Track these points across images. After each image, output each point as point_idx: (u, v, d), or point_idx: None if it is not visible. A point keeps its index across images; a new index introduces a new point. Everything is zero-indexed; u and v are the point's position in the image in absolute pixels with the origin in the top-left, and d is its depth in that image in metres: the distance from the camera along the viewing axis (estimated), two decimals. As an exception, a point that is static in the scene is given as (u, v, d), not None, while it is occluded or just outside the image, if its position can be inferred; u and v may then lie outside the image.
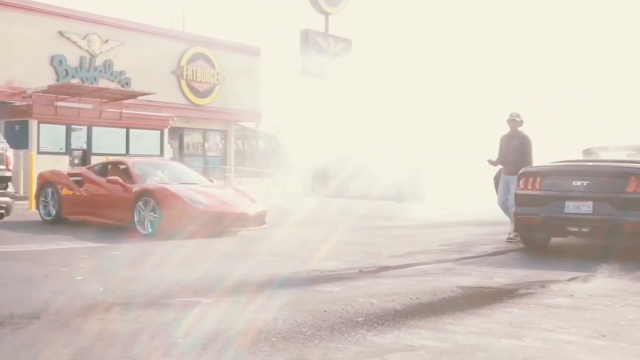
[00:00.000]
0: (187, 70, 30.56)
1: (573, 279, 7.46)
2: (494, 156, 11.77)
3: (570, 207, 9.29)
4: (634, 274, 7.91)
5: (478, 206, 18.07)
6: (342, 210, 19.14)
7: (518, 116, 11.61)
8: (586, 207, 9.18)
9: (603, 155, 11.55)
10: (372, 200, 28.40)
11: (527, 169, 10.08)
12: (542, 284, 7.05)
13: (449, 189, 22.54)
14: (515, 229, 10.34)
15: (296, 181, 33.27)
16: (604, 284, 7.24)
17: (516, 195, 10.07)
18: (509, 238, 11.13)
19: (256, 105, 33.84)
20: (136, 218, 11.73)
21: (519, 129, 11.60)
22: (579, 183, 9.33)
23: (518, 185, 10.02)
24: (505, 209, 11.60)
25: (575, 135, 17.47)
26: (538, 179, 9.79)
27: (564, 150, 13.73)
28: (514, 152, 11.42)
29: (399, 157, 29.54)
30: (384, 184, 30.03)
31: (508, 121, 11.62)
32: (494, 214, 13.74)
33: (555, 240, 10.78)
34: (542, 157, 11.63)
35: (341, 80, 34.71)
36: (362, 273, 7.67)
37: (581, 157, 11.72)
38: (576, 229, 9.36)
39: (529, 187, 9.85)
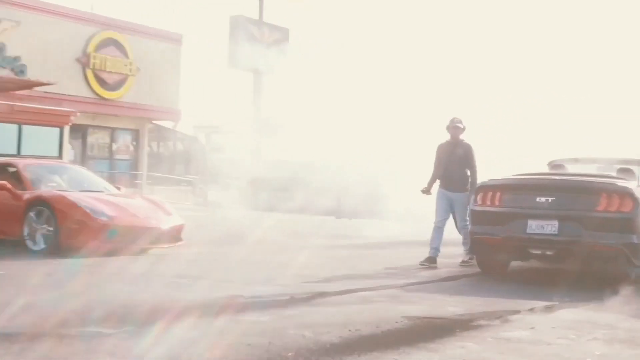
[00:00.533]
0: (94, 58, 30.06)
1: (535, 308, 7.56)
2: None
3: (533, 226, 9.44)
4: (603, 304, 8.06)
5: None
6: (275, 226, 19.05)
7: (461, 122, 11.54)
8: (551, 226, 9.34)
9: (571, 169, 11.78)
10: (313, 215, 28.45)
11: (486, 182, 10.21)
12: (500, 315, 7.12)
13: (407, 202, 22.78)
14: (471, 251, 10.46)
15: (221, 191, 33.07)
16: (569, 314, 7.35)
17: (473, 212, 10.19)
18: (462, 261, 11.26)
19: (175, 102, 33.54)
20: (26, 231, 11.42)
21: (461, 136, 11.53)
22: (543, 199, 9.49)
23: (475, 200, 10.14)
24: (440, 228, 11.43)
25: (541, 146, 17.85)
26: (497, 194, 9.92)
27: (528, 161, 13.98)
28: (459, 164, 11.36)
29: (348, 164, 29.67)
30: (329, 197, 30.17)
31: (449, 128, 11.52)
32: (449, 233, 13.88)
33: (515, 264, 10.93)
34: (502, 169, 11.80)
35: (277, 75, 34.75)
36: (295, 300, 7.61)
37: (547, 170, 11.92)
38: (539, 252, 9.52)
39: (487, 203, 9.98)
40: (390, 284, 9.16)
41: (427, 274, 10.27)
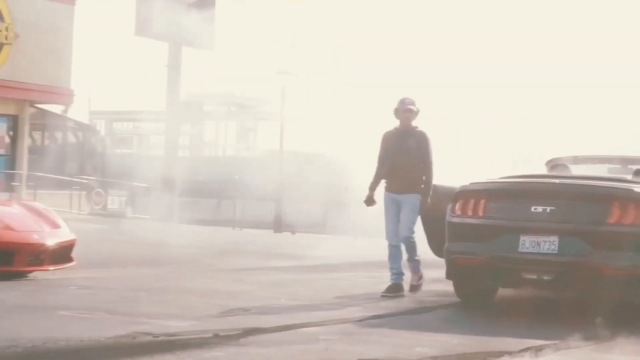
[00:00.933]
0: (-45, 20, 29.60)
1: (529, 349, 7.61)
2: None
3: (527, 243, 9.51)
4: (614, 344, 8.16)
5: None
6: (196, 243, 18.99)
7: (414, 104, 11.21)
8: (549, 244, 9.41)
9: (576, 170, 11.93)
10: (245, 229, 28.46)
11: (467, 187, 10.26)
12: (484, 357, 7.15)
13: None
14: (448, 274, 10.49)
15: (125, 197, 32.90)
16: (571, 356, 7.43)
17: (450, 225, 10.23)
18: (411, 286, 11.19)
19: (66, 80, 33.16)
20: None
21: (414, 122, 11.28)
22: (540, 209, 9.57)
23: (453, 210, 10.19)
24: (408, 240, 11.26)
25: (539, 142, 18.04)
26: (482, 202, 9.97)
27: (521, 161, 14.12)
28: (410, 157, 11.14)
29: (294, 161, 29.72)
30: (267, 204, 30.20)
31: (398, 112, 11.19)
32: (422, 253, 13.96)
33: (504, 292, 11.02)
34: (489, 170, 11.89)
35: (200, 47, 34.59)
36: (220, 338, 7.57)
37: (545, 172, 12.04)
38: (534, 276, 9.59)
39: (469, 213, 10.03)
40: (344, 317, 9.15)
41: (390, 305, 10.29)
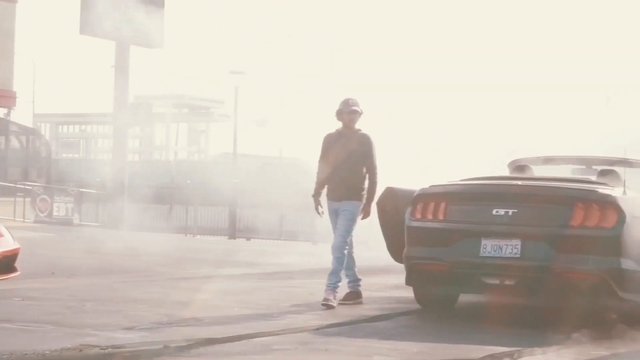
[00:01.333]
0: None
1: (492, 356, 7.66)
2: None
3: (489, 247, 9.57)
4: (580, 350, 8.23)
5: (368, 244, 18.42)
6: (147, 250, 18.89)
7: (358, 105, 11.01)
8: (512, 248, 9.47)
9: (539, 171, 12.00)
10: (199, 235, 28.40)
11: (426, 189, 10.29)
12: (445, 366, 7.21)
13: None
14: (407, 280, 10.51)
15: (72, 203, 32.67)
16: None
17: (409, 229, 10.25)
18: (341, 301, 10.87)
19: (8, 81, 32.95)
20: None
21: (357, 125, 11.09)
22: (502, 212, 9.62)
23: (413, 213, 10.21)
24: (339, 251, 10.96)
25: (501, 142, 18.13)
26: (442, 205, 10.01)
27: (484, 162, 14.19)
28: (352, 161, 10.95)
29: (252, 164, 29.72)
30: (223, 210, 30.11)
31: (342, 113, 10.97)
32: (381, 259, 14.01)
33: (466, 297, 11.08)
34: (448, 172, 11.93)
35: (150, 46, 34.42)
36: (170, 349, 7.53)
37: (507, 173, 12.10)
38: (496, 281, 9.64)
39: (429, 216, 10.06)
40: (300, 326, 9.15)
41: (349, 313, 10.30)
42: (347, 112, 10.92)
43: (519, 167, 12.15)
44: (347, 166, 10.90)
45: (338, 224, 10.89)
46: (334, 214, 11.00)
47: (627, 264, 9.24)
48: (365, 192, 10.97)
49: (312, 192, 11.21)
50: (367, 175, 10.98)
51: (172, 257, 17.97)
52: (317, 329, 9.01)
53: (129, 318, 9.33)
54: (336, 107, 10.99)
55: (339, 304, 10.80)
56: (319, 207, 11.12)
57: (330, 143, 11.06)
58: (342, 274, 10.86)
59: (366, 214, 11.01)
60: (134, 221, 30.46)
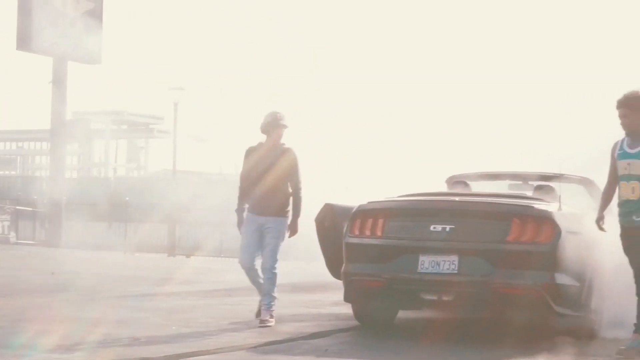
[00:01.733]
0: None
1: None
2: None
3: (426, 263, 9.62)
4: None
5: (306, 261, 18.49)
6: (85, 268, 18.77)
7: (284, 119, 10.85)
8: (449, 263, 9.52)
9: (477, 187, 12.09)
10: (136, 253, 28.20)
11: (365, 205, 10.32)
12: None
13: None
14: (346, 297, 10.52)
15: (8, 221, 32.33)
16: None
17: (347, 245, 10.27)
18: (261, 320, 10.62)
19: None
20: None
21: (282, 139, 10.94)
22: (439, 228, 9.68)
23: (351, 229, 10.24)
24: (251, 269, 10.86)
25: (439, 158, 18.24)
26: (380, 222, 10.04)
27: (421, 178, 14.26)
28: (278, 177, 10.79)
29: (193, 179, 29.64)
30: (162, 227, 29.92)
31: (269, 126, 10.77)
32: (322, 274, 14.05)
33: (405, 313, 11.12)
34: (386, 188, 11.96)
35: (89, 61, 34.16)
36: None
37: (445, 189, 12.19)
38: (434, 297, 9.69)
39: (367, 233, 10.09)
40: (238, 344, 9.13)
41: (287, 330, 10.29)
42: (277, 126, 10.78)
43: (456, 183, 12.24)
44: (272, 181, 10.72)
45: (266, 243, 10.71)
46: (255, 228, 10.73)
47: (562, 278, 9.35)
48: (290, 209, 10.82)
49: (235, 206, 10.96)
50: (292, 191, 10.82)
51: (110, 275, 17.83)
52: (255, 347, 9.00)
53: (65, 338, 9.20)
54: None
55: (259, 324, 10.56)
56: (240, 214, 10.87)
57: (254, 157, 10.87)
58: (275, 292, 10.79)
59: (293, 231, 10.87)
60: (73, 239, 30.23)
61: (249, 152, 10.95)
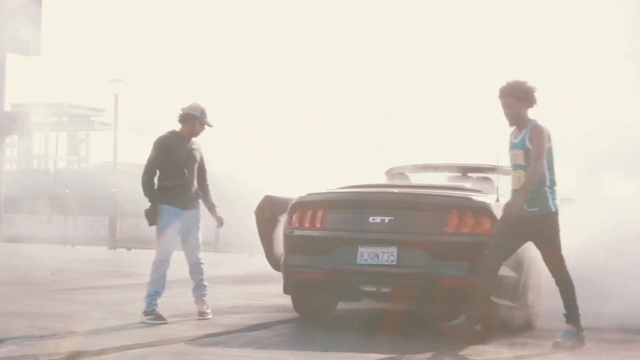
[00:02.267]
0: None
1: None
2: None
3: (365, 255, 9.62)
4: (454, 353, 8.36)
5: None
6: (23, 262, 18.69)
7: (204, 113, 10.66)
8: (388, 255, 9.53)
9: (416, 179, 12.13)
10: (77, 246, 27.99)
11: (304, 197, 10.29)
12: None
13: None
14: (285, 289, 10.49)
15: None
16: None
17: (287, 237, 10.25)
18: (148, 317, 10.25)
19: None
20: None
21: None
22: (378, 220, 9.69)
23: (290, 222, 10.22)
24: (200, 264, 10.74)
25: (379, 150, 18.27)
26: (319, 213, 10.03)
27: (361, 170, 14.28)
28: (195, 168, 10.68)
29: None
30: (102, 220, 29.70)
31: (197, 119, 10.59)
32: (261, 268, 14.03)
33: (344, 305, 11.13)
34: (326, 179, 11.96)
35: (27, 52, 33.81)
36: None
37: (384, 181, 12.21)
38: (373, 289, 9.70)
39: (306, 225, 10.06)
40: (177, 336, 9.08)
41: (227, 322, 10.27)
42: (203, 122, 10.65)
43: (395, 174, 12.28)
44: (191, 173, 10.61)
45: (192, 237, 10.64)
46: (175, 218, 10.49)
47: (501, 270, 9.39)
48: (206, 200, 10.78)
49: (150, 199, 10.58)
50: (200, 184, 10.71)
51: (50, 268, 17.65)
52: (194, 340, 8.95)
53: (0, 332, 9.13)
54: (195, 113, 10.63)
55: (146, 320, 10.26)
56: (156, 219, 10.55)
57: (173, 147, 10.57)
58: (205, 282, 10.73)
59: (222, 221, 10.86)
60: (12, 232, 29.92)
61: (164, 141, 10.62)
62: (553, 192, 9.07)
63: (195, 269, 10.72)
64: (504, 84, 9.18)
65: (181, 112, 10.63)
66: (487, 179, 11.25)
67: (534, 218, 8.98)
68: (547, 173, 9.03)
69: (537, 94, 9.18)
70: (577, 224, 10.38)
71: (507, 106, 9.15)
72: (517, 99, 9.10)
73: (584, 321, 9.04)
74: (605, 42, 16.00)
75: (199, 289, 10.70)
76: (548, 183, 9.02)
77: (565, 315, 9.09)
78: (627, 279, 10.58)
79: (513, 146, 9.20)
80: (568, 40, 16.64)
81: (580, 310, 9.04)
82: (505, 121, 9.26)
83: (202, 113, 10.62)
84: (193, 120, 10.58)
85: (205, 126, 10.66)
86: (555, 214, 9.09)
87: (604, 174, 12.01)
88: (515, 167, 9.15)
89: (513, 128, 9.26)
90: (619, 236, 10.93)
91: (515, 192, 9.11)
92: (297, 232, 10.14)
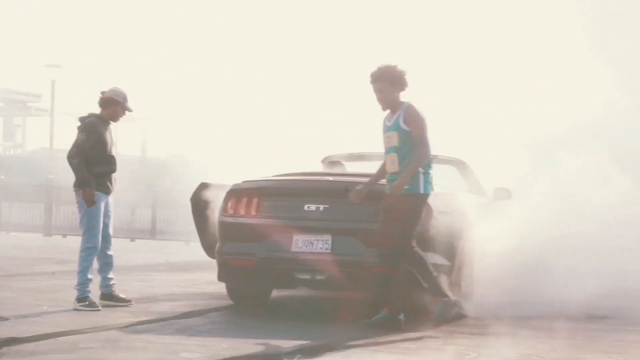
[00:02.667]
0: None
1: (300, 350, 7.72)
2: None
3: (300, 242, 9.64)
4: (388, 338, 8.40)
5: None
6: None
7: (126, 98, 10.56)
8: (322, 243, 9.56)
9: (352, 167, 12.16)
10: (12, 232, 27.72)
11: (239, 184, 10.28)
12: (251, 360, 7.24)
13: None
14: (220, 276, 10.48)
15: None
16: (342, 355, 7.58)
17: (221, 224, 10.23)
18: (81, 304, 10.17)
19: None
20: None
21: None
22: (313, 207, 9.71)
23: (224, 209, 10.20)
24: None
25: (316, 138, 18.29)
26: (254, 201, 10.04)
27: (297, 158, 14.29)
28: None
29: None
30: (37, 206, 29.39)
31: (120, 105, 10.46)
32: (196, 255, 13.99)
33: (279, 292, 11.15)
34: (262, 167, 11.96)
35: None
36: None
37: (320, 169, 12.23)
38: (308, 276, 9.72)
39: (241, 212, 10.06)
40: (109, 324, 9.03)
41: (161, 309, 10.24)
42: (125, 107, 10.56)
43: (331, 163, 12.33)
44: (115, 158, 10.58)
45: (109, 222, 10.59)
46: (102, 207, 10.44)
47: (433, 258, 9.46)
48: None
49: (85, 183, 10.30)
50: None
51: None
52: (127, 327, 8.91)
53: None
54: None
55: (78, 307, 10.17)
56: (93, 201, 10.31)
57: (101, 134, 10.42)
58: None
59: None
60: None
61: (97, 127, 10.42)
62: (427, 174, 9.10)
63: (109, 254, 10.63)
64: (375, 69, 9.22)
65: (103, 96, 10.52)
66: (421, 168, 11.30)
67: (402, 196, 9.01)
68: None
69: (407, 77, 9.23)
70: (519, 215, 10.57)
71: (379, 91, 9.21)
72: (389, 83, 9.16)
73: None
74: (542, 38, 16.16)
75: (110, 275, 10.63)
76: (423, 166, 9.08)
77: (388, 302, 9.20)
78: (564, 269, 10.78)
79: (387, 129, 9.25)
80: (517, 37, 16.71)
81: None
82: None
83: (124, 98, 10.55)
84: (116, 105, 10.49)
85: (126, 112, 10.61)
86: (424, 196, 9.13)
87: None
88: (389, 149, 9.19)
89: (386, 112, 9.32)
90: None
91: (391, 176, 9.15)
92: (231, 220, 10.13)
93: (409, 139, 9.07)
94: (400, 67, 9.23)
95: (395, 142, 9.12)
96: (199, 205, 11.46)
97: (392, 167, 9.14)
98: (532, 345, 8.39)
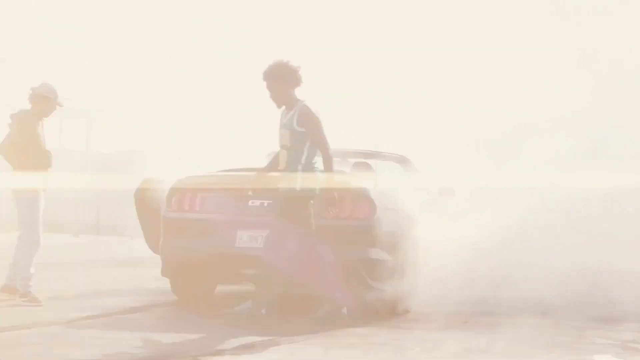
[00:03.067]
0: None
1: (243, 346, 7.73)
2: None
3: (244, 238, 9.64)
4: (330, 334, 8.44)
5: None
6: None
7: (57, 94, 10.46)
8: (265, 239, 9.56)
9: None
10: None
11: (183, 180, 10.25)
12: (195, 356, 7.22)
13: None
14: (163, 272, 10.43)
15: None
16: (285, 352, 7.60)
17: (165, 220, 10.19)
18: (24, 300, 10.09)
19: None
20: None
21: None
22: (257, 203, 9.70)
23: (169, 204, 10.15)
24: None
25: (263, 132, 18.27)
26: (199, 197, 10.01)
27: (243, 153, 14.28)
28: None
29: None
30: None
31: (51, 101, 10.41)
32: (141, 250, 13.91)
33: (223, 287, 11.14)
34: (204, 162, 11.92)
35: None
36: None
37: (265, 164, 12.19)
38: (252, 272, 9.71)
39: (185, 208, 10.03)
40: (52, 319, 8.96)
41: (105, 304, 10.16)
42: (56, 103, 10.48)
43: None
44: (50, 153, 10.48)
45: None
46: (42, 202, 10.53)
47: (377, 254, 9.51)
48: None
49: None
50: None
51: None
52: (70, 322, 8.85)
53: None
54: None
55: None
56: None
57: (37, 128, 10.41)
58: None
59: None
60: None
61: (34, 122, 10.43)
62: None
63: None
64: (267, 67, 9.16)
65: (33, 92, 10.42)
66: (366, 165, 11.34)
67: (284, 193, 9.16)
68: (306, 153, 9.12)
69: (301, 73, 9.17)
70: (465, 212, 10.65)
71: (271, 89, 9.18)
72: (281, 80, 9.12)
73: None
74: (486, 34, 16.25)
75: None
76: (303, 163, 9.11)
77: None
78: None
79: (282, 126, 9.23)
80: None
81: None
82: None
83: (56, 95, 10.46)
84: (47, 102, 10.40)
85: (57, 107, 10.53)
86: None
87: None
88: (282, 146, 9.22)
89: (282, 108, 9.29)
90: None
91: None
92: (175, 215, 10.10)
93: (300, 141, 9.08)
94: (294, 63, 9.15)
95: (286, 140, 9.12)
96: (142, 200, 11.42)
97: (281, 165, 9.19)
98: (474, 339, 8.47)
